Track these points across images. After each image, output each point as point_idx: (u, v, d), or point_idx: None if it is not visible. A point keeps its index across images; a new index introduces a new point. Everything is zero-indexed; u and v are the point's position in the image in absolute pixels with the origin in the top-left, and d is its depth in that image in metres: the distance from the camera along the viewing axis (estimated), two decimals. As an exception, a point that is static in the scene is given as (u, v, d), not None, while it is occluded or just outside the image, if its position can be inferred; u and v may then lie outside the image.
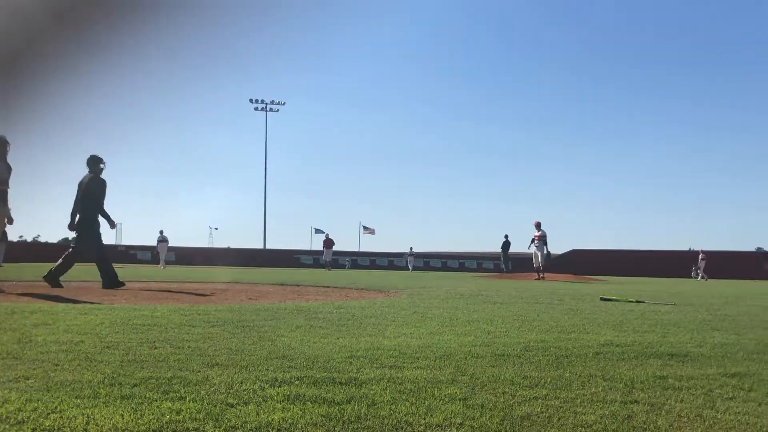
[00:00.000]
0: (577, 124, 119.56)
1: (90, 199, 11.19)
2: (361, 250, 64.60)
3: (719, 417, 2.85)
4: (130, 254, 52.98)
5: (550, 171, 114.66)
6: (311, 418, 2.62)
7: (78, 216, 11.15)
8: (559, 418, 2.75)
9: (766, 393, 3.37)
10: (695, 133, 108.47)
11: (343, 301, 9.18)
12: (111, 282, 11.06)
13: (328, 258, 43.62)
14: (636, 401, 3.11)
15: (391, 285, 14.68)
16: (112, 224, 11.66)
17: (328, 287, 13.55)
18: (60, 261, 10.98)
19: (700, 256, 41.29)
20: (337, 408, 2.79)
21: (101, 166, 11.35)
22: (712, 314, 8.27)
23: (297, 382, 3.27)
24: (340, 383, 3.29)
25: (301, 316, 6.52)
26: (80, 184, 11.25)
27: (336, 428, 2.52)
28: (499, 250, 40.50)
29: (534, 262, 25.19)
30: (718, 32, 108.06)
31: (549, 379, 3.56)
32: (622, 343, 5.09)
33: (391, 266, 54.97)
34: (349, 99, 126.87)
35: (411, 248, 53.18)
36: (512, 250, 40.33)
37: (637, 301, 10.59)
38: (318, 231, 66.40)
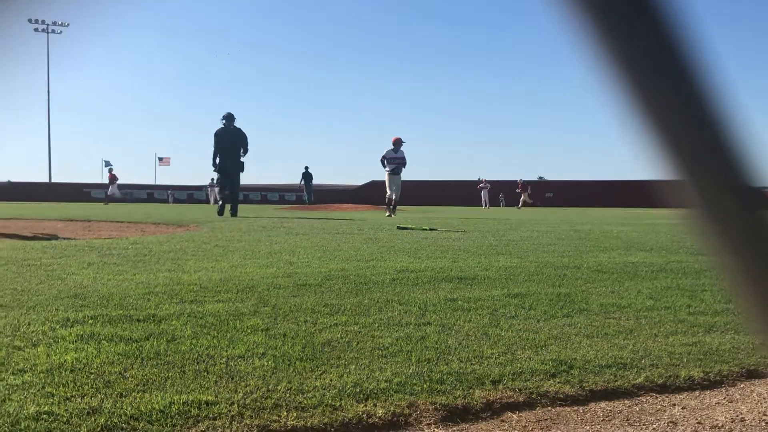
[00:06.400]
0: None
1: None
2: (157, 183, 62.19)
3: (503, 334, 3.10)
4: None
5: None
6: (107, 357, 2.53)
7: None
8: (358, 342, 2.86)
9: (544, 311, 3.71)
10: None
11: (139, 237, 8.85)
12: None
13: (112, 192, 42.75)
14: (429, 323, 3.30)
15: (191, 219, 14.32)
16: None
17: (122, 222, 12.98)
18: None
19: (520, 185, 42.86)
20: (135, 345, 2.71)
21: None
22: (497, 240, 8.89)
23: (91, 321, 3.12)
24: (138, 320, 3.19)
25: (94, 253, 6.21)
26: None
27: (134, 365, 2.45)
28: (299, 181, 40.93)
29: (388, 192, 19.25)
30: None
31: (348, 306, 3.68)
32: (417, 269, 5.34)
33: (191, 200, 53.48)
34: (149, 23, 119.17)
35: (213, 180, 51.72)
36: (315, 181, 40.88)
37: (431, 229, 11.14)
38: (107, 164, 62.81)
